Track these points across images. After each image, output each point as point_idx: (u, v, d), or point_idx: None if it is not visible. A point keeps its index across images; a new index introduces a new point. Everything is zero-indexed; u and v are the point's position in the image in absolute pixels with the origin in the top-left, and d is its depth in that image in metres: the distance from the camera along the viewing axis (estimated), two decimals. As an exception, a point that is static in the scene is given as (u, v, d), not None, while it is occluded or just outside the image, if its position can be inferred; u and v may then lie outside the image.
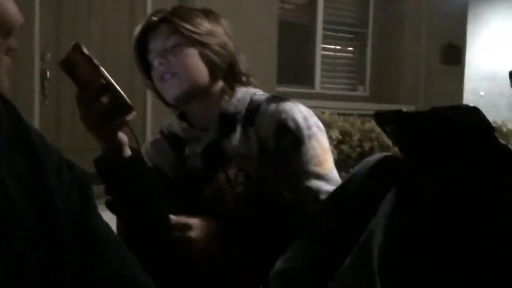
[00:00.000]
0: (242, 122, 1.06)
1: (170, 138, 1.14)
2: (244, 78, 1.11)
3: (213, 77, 1.06)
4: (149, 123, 3.82)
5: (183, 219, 0.97)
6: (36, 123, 3.15)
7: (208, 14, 1.09)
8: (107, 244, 0.68)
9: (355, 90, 5.00)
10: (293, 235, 0.96)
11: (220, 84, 1.08)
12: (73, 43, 0.84)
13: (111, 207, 0.97)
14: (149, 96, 3.82)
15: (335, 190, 0.97)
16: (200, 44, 1.05)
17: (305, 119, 1.04)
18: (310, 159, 1.01)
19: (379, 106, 4.64)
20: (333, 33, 4.78)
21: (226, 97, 1.07)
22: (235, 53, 1.09)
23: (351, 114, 3.90)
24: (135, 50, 1.08)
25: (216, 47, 1.06)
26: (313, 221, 0.95)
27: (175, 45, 1.04)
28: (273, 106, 1.04)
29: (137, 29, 1.08)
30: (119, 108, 0.88)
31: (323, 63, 4.73)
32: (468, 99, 5.45)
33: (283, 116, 1.02)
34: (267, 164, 1.02)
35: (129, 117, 0.90)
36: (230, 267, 0.99)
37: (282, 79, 4.16)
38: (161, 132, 1.17)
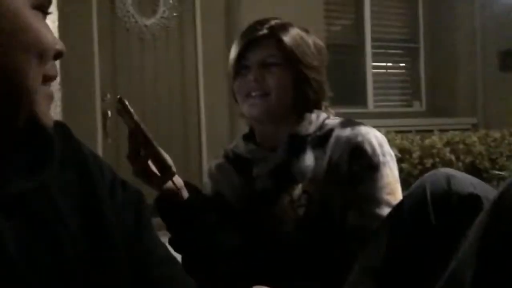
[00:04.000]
0: (312, 144, 1.05)
1: (235, 161, 1.13)
2: (323, 108, 1.10)
3: (298, 105, 1.06)
4: (205, 152, 3.89)
5: None
6: (99, 161, 3.29)
7: (320, 49, 1.09)
8: (163, 265, 0.67)
9: (410, 106, 4.86)
10: (354, 259, 0.92)
11: (299, 109, 1.07)
12: (118, 96, 0.88)
13: (172, 245, 0.98)
14: (204, 127, 3.90)
15: (393, 209, 0.94)
16: (301, 75, 1.04)
17: (381, 145, 1.01)
18: (383, 187, 0.98)
19: (437, 120, 4.48)
20: (383, 50, 4.71)
21: (298, 119, 1.07)
22: (326, 89, 1.10)
23: (409, 131, 3.78)
24: (237, 58, 1.06)
25: (314, 83, 1.06)
26: (372, 241, 0.91)
27: (275, 64, 1.04)
28: (348, 130, 1.02)
29: (239, 41, 1.06)
30: (161, 168, 0.90)
31: (375, 81, 4.66)
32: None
33: (360, 139, 1.00)
34: (335, 187, 1.00)
35: (167, 177, 0.91)
36: None
37: (335, 100, 4.12)
38: (226, 156, 1.15)
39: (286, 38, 1.04)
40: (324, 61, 1.10)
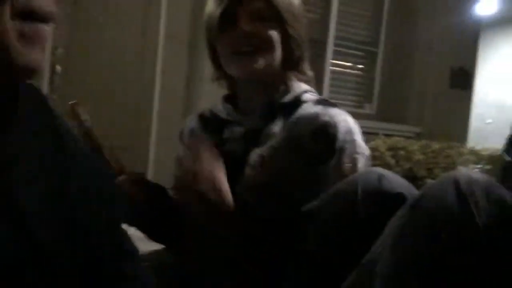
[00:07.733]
0: (284, 112, 1.04)
1: (209, 121, 1.11)
2: (305, 77, 1.10)
3: (284, 65, 1.05)
4: (154, 135, 3.83)
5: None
6: (42, 116, 3.16)
7: (302, 9, 1.09)
8: (129, 261, 0.65)
9: (361, 107, 4.99)
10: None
11: (283, 74, 1.06)
12: (71, 102, 0.90)
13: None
14: (156, 104, 3.83)
15: (324, 201, 0.96)
16: (289, 34, 1.03)
17: (348, 132, 1.00)
18: (340, 176, 0.96)
19: (385, 125, 4.63)
20: (344, 49, 4.79)
21: (281, 88, 1.06)
22: (305, 48, 1.09)
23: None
24: (223, 12, 1.00)
25: (299, 42, 1.05)
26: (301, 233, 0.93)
27: (266, 19, 1.01)
28: (319, 107, 1.02)
29: None
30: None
31: (332, 79, 4.73)
32: (474, 125, 5.43)
33: (326, 118, 0.99)
34: (293, 159, 0.99)
35: (120, 178, 0.93)
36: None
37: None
38: (201, 115, 1.14)
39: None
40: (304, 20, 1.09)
